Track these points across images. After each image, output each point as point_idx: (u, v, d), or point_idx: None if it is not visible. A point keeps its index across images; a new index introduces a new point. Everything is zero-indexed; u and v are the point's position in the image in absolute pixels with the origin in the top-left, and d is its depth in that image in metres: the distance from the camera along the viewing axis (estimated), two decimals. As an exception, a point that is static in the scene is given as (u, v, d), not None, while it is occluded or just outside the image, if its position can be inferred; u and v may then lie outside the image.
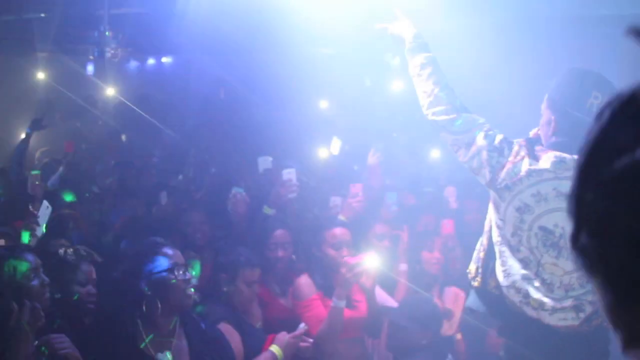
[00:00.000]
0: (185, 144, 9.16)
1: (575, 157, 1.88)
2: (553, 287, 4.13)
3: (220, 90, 11.86)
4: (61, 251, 4.62)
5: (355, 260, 5.09)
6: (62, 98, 11.28)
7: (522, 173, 4.11)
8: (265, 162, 7.02)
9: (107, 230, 6.81)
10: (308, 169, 7.70)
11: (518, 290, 4.18)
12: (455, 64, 8.46)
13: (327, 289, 5.35)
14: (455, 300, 6.07)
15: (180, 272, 4.13)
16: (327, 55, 10.42)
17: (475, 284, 4.43)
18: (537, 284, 4.15)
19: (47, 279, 4.09)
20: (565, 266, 4.09)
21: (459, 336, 6.21)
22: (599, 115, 1.20)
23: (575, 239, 1.21)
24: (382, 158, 7.54)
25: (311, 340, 4.99)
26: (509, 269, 4.22)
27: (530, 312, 4.17)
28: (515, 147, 4.20)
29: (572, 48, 9.24)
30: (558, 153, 4.10)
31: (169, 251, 4.22)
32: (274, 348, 4.79)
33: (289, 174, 6.43)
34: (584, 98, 4.09)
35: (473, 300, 4.54)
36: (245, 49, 10.02)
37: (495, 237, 4.29)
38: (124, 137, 10.56)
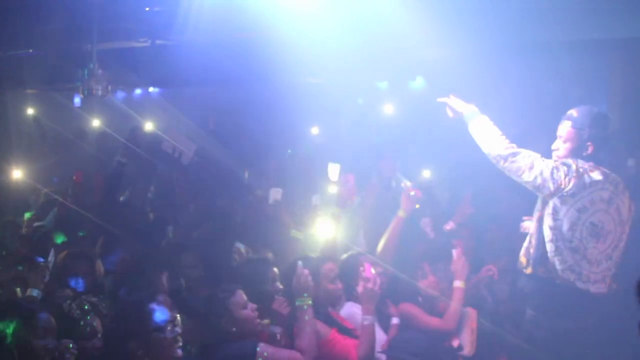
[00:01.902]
0: (179, 177, 9.11)
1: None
2: (592, 265, 5.66)
3: (210, 122, 11.84)
4: (66, 305, 4.60)
5: (369, 271, 5.34)
6: (51, 133, 11.27)
7: (587, 184, 5.58)
8: (275, 194, 7.12)
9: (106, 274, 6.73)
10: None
11: (573, 270, 5.66)
12: (450, 90, 8.62)
13: (333, 325, 5.48)
14: (468, 319, 6.43)
15: (169, 330, 4.10)
16: (317, 85, 10.46)
17: (527, 271, 5.85)
18: (585, 264, 5.65)
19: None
20: (600, 248, 5.65)
21: None
22: None
23: None
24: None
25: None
26: (564, 257, 5.67)
27: (581, 285, 5.66)
28: (574, 166, 5.62)
29: (558, 70, 9.39)
30: (603, 169, 5.68)
31: (158, 307, 4.19)
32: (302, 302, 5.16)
33: (317, 199, 6.61)
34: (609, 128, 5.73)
35: (525, 283, 6.04)
36: (233, 80, 10.04)
37: (549, 236, 5.70)
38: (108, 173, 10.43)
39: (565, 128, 5.76)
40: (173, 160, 8.81)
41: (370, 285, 5.38)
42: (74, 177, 8.54)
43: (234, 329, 4.95)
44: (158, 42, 9.13)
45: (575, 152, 5.70)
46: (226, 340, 4.89)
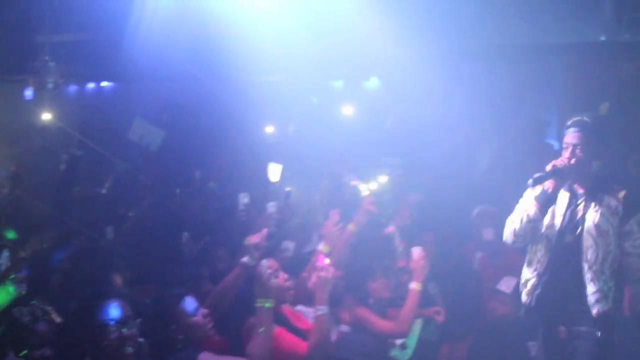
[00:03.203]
0: (132, 172, 9.01)
1: None
2: None
3: (163, 116, 11.72)
4: (16, 310, 4.49)
5: (324, 260, 5.26)
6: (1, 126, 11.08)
7: None
8: (244, 198, 7.06)
9: (52, 270, 6.61)
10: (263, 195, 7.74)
11: None
12: (409, 89, 8.65)
13: (282, 323, 5.42)
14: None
15: (117, 329, 3.95)
16: (272, 83, 10.42)
17: None
18: None
19: None
20: None
21: None
22: None
23: None
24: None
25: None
26: None
27: None
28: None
29: (512, 73, 9.48)
30: None
31: (111, 304, 4.02)
32: (262, 302, 4.95)
33: (273, 207, 6.51)
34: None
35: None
36: (190, 76, 9.96)
37: None
38: (62, 166, 10.32)
39: (576, 135, 5.54)
40: (132, 154, 8.70)
41: (324, 274, 5.29)
42: (13, 168, 8.38)
43: (181, 336, 4.86)
44: (112, 35, 9.02)
45: (591, 157, 5.55)
46: (172, 347, 4.80)
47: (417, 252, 6.54)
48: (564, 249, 5.61)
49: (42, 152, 10.83)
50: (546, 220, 5.66)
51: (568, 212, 5.64)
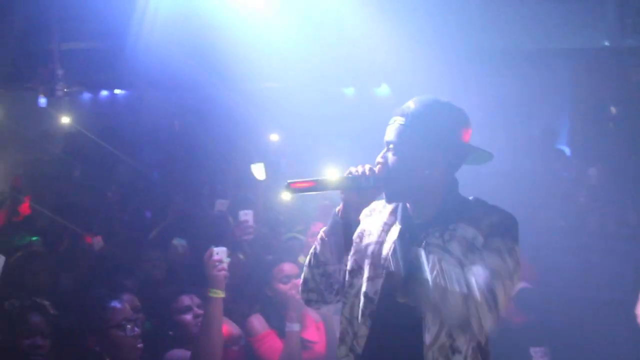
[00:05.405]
0: (142, 178, 9.07)
1: None
2: None
3: (175, 124, 11.80)
4: (7, 303, 4.56)
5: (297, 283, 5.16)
6: (14, 133, 11.17)
7: None
8: (221, 205, 6.98)
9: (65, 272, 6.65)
10: (265, 205, 7.67)
11: None
12: (414, 93, 8.63)
13: (281, 330, 5.38)
14: None
15: (129, 327, 4.07)
16: (277, 89, 10.45)
17: None
18: None
19: None
20: None
21: None
22: None
23: None
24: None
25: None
26: None
27: None
28: None
29: (520, 79, 9.46)
30: None
31: (118, 305, 4.14)
32: (212, 293, 4.68)
33: (246, 215, 6.33)
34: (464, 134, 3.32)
35: None
36: (197, 84, 10.02)
37: None
38: (77, 172, 10.40)
39: (391, 129, 3.18)
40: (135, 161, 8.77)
41: (293, 292, 5.13)
42: (12, 182, 8.46)
43: (171, 332, 4.88)
44: (120, 43, 9.11)
45: (416, 164, 3.14)
46: (165, 345, 4.83)
47: None
48: (393, 315, 3.13)
49: (53, 160, 10.91)
50: (366, 264, 3.26)
51: (396, 254, 3.11)
